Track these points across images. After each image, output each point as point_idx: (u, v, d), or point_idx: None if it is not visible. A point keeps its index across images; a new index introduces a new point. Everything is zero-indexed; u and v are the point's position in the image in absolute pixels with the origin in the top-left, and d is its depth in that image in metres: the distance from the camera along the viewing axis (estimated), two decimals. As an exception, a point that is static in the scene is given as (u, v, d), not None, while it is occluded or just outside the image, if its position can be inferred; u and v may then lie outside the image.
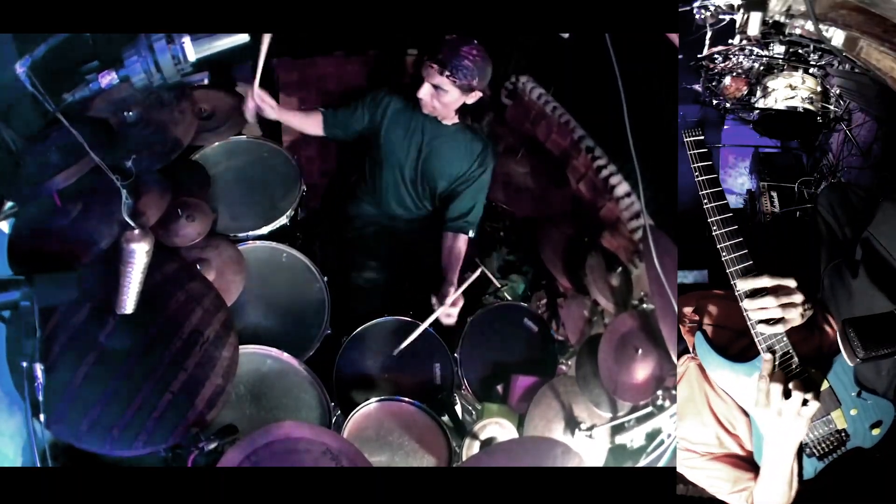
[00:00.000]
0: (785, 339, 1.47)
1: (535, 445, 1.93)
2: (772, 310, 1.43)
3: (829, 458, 1.62)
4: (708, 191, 1.53)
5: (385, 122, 2.53)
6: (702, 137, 1.56)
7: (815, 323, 1.70)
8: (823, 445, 1.62)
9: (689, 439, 1.71)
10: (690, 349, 1.85)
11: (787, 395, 1.40)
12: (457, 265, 2.51)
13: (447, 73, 2.28)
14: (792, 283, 1.44)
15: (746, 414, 1.65)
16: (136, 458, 1.68)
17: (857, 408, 1.60)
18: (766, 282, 1.44)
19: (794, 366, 1.48)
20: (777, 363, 1.46)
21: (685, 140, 1.56)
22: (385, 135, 2.53)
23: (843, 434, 1.61)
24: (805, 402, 1.39)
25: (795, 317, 1.46)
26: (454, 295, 2.36)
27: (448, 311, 2.35)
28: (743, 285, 1.46)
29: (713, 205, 1.52)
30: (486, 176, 2.57)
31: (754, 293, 1.45)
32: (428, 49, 2.33)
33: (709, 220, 1.52)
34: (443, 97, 2.35)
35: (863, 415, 1.61)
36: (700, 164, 1.54)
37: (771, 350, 1.47)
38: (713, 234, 1.52)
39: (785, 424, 1.43)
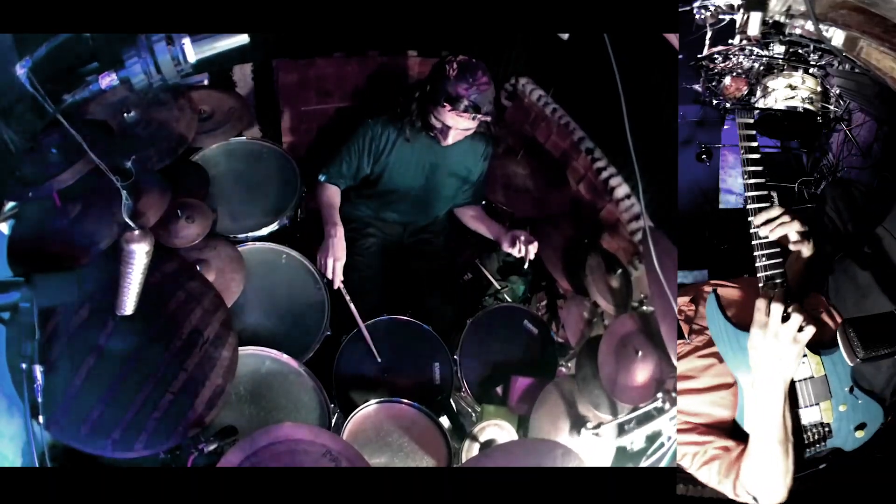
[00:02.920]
0: (783, 276, 1.57)
1: (535, 447, 1.93)
2: (777, 217, 1.56)
3: (809, 451, 1.59)
4: (750, 168, 1.64)
5: (389, 157, 2.50)
6: (751, 121, 1.70)
7: (817, 314, 1.71)
8: (807, 436, 1.58)
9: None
10: (686, 335, 1.87)
11: (785, 319, 1.44)
12: (490, 220, 2.65)
13: (479, 115, 2.25)
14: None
15: (732, 385, 1.65)
16: (135, 459, 1.68)
17: (846, 404, 1.59)
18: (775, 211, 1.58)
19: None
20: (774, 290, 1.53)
21: (737, 121, 1.69)
22: (392, 166, 2.52)
23: (826, 428, 1.59)
24: (801, 328, 1.43)
25: (793, 232, 1.58)
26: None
27: (531, 244, 2.39)
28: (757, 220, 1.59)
29: (751, 181, 1.64)
30: (488, 162, 2.66)
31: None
32: (440, 94, 2.22)
33: (747, 207, 1.63)
34: (469, 132, 2.37)
35: (851, 413, 1.59)
36: (747, 144, 1.66)
37: (771, 280, 1.55)
38: (747, 207, 1.62)
39: (779, 350, 1.45)
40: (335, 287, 2.30)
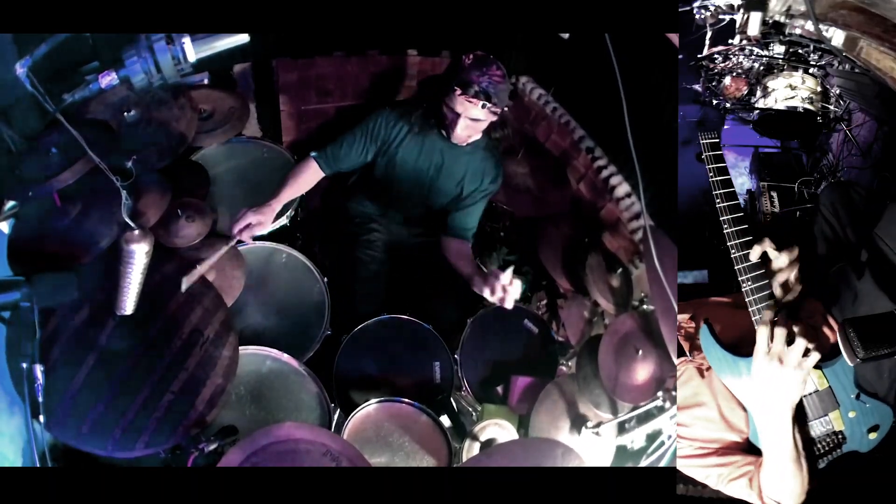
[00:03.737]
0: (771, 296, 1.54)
1: (535, 446, 1.93)
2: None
3: (825, 460, 1.61)
4: (721, 191, 1.59)
5: (398, 147, 2.46)
6: (717, 140, 1.62)
7: (815, 324, 1.70)
8: (820, 446, 1.61)
9: (688, 437, 1.71)
10: (687, 352, 1.86)
11: (789, 342, 1.42)
12: (473, 261, 2.49)
13: (490, 104, 2.21)
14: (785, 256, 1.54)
15: (744, 409, 1.65)
16: (135, 458, 1.68)
17: (855, 410, 1.60)
18: (768, 245, 1.52)
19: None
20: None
21: (701, 142, 1.63)
22: (399, 158, 2.47)
23: (839, 436, 1.61)
24: (807, 352, 1.40)
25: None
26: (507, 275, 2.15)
27: (512, 293, 2.14)
28: (753, 255, 1.54)
29: (725, 204, 1.58)
30: (494, 189, 2.56)
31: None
32: (452, 80, 2.19)
33: (720, 219, 1.58)
34: (479, 125, 2.31)
35: (861, 418, 1.60)
36: (714, 166, 1.60)
37: (759, 301, 1.52)
38: (724, 232, 1.57)
39: (784, 376, 1.42)
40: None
